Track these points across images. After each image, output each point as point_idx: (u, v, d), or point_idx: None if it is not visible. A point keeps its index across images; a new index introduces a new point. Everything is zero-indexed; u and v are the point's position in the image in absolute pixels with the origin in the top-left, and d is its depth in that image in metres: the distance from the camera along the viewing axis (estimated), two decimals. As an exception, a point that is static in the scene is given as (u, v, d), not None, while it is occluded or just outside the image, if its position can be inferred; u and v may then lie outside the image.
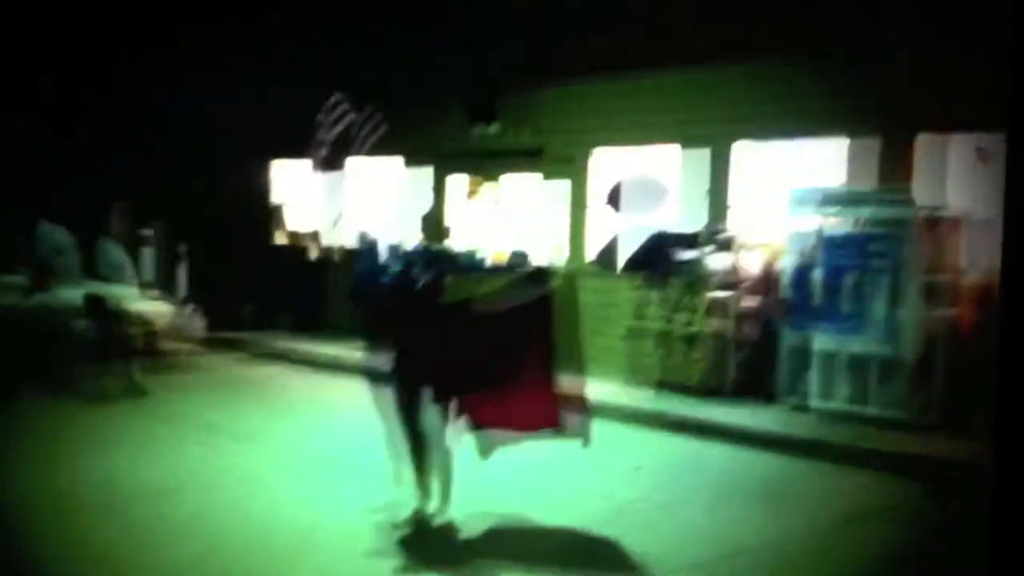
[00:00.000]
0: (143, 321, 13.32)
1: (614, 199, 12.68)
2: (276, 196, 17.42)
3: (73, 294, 12.50)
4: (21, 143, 16.66)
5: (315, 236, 16.49)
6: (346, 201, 16.00)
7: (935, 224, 9.43)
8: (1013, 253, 2.31)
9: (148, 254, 15.18)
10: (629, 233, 11.20)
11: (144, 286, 14.33)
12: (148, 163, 15.21)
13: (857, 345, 9.38)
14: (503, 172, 13.99)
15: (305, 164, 15.05)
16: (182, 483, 7.14)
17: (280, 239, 17.43)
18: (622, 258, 11.29)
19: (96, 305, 12.84)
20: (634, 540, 6.10)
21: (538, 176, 13.48)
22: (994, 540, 2.31)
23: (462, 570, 5.55)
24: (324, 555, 5.63)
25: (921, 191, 9.61)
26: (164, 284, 14.61)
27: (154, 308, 13.52)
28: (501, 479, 7.23)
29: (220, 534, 5.96)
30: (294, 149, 15.13)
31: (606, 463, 8.09)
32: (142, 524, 6.14)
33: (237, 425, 9.29)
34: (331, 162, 14.44)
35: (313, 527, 6.11)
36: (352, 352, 13.12)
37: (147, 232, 15.30)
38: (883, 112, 9.97)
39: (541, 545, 5.98)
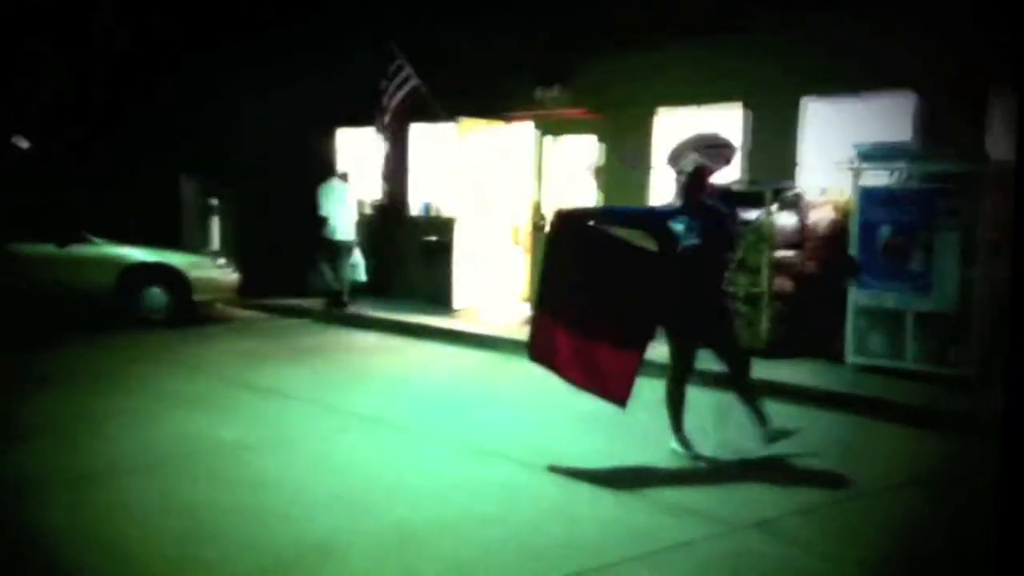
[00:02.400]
0: (212, 288, 13.63)
1: (678, 159, 12.58)
2: (341, 164, 17.55)
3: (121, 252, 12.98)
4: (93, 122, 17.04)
5: (383, 203, 16.61)
6: (409, 167, 16.10)
7: (1007, 179, 9.22)
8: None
9: (215, 223, 15.45)
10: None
11: (212, 254, 14.65)
12: (215, 135, 15.42)
13: (926, 304, 9.25)
14: (565, 134, 13.94)
15: (369, 131, 15.12)
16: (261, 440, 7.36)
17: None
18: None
19: (166, 272, 13.17)
20: (702, 497, 6.15)
21: (601, 138, 13.42)
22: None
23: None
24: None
25: (993, 145, 9.40)
26: (229, 252, 14.86)
27: (222, 275, 13.81)
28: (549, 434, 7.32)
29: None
30: (358, 116, 15.24)
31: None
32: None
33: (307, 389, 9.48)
34: (394, 127, 14.49)
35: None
36: (419, 315, 13.42)
37: (214, 202, 15.55)
38: (953, 65, 9.75)
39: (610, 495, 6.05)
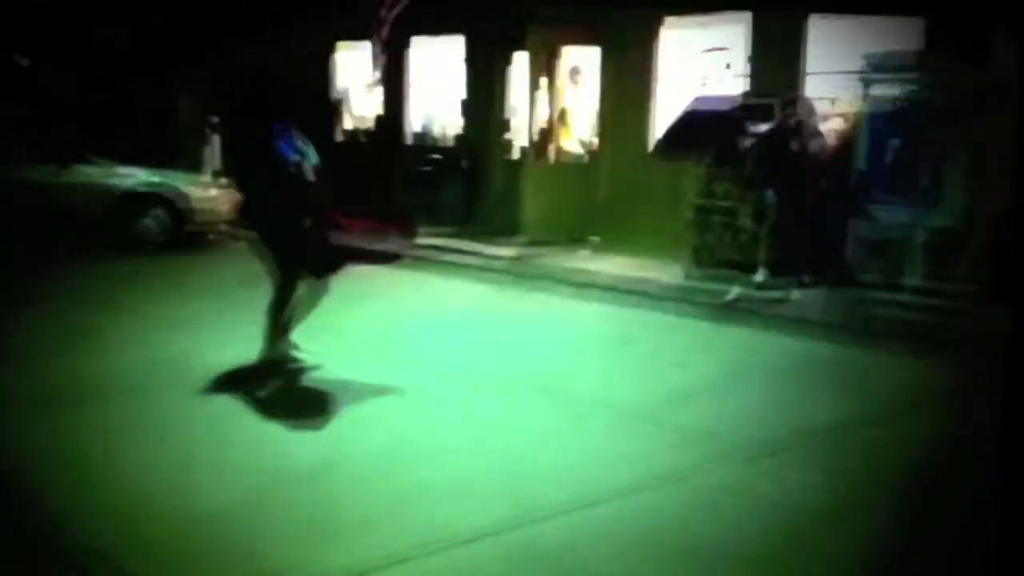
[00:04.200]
0: (214, 210, 13.39)
1: (685, 75, 12.28)
2: (340, 82, 17.21)
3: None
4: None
5: (380, 123, 16.33)
6: (410, 83, 15.76)
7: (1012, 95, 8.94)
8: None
9: (215, 142, 15.14)
10: (699, 110, 10.81)
11: (214, 175, 14.42)
12: (212, 55, 15.12)
13: (935, 221, 9.03)
14: (566, 46, 13.55)
15: (368, 48, 14.80)
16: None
17: (344, 127, 17.27)
18: (690, 137, 10.93)
19: (167, 194, 12.96)
20: (697, 419, 6.11)
21: (603, 51, 13.07)
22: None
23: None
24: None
25: (1000, 61, 9.07)
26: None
27: (224, 197, 13.59)
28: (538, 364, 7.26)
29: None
30: (357, 32, 14.90)
31: (681, 343, 8.06)
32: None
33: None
34: (393, 44, 14.14)
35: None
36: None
37: (214, 120, 15.26)
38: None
39: (594, 423, 5.99)
